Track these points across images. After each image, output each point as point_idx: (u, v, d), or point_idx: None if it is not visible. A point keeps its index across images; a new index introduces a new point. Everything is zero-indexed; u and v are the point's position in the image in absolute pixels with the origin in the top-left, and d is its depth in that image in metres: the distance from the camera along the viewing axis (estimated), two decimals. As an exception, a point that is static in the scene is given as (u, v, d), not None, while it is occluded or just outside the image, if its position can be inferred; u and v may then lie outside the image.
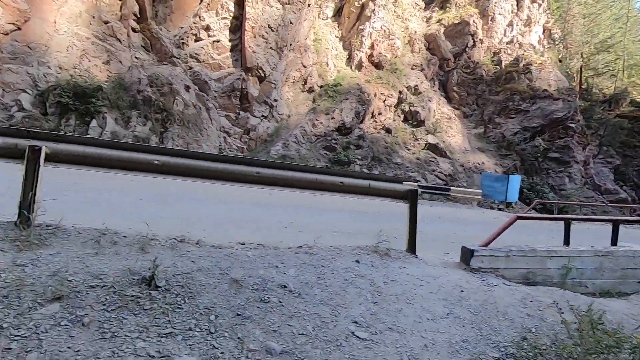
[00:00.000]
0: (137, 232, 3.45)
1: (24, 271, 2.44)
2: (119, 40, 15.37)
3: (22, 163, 3.04)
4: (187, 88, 14.49)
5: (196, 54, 16.65)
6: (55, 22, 13.80)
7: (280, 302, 2.70)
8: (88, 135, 11.30)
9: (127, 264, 2.77)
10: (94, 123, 12.09)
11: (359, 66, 21.92)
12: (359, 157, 18.38)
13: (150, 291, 2.52)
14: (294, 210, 7.74)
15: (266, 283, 2.86)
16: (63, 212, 3.29)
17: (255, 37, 17.47)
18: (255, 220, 6.17)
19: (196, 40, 16.82)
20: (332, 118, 18.97)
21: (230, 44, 17.42)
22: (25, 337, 2.00)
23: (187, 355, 2.11)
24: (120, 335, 2.14)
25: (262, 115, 17.75)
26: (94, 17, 14.92)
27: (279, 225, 5.96)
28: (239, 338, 2.30)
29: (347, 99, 19.78)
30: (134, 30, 16.04)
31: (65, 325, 2.13)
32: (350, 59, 22.29)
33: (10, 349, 1.92)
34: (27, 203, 2.98)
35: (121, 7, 15.72)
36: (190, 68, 16.12)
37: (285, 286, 2.88)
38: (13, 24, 12.87)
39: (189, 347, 2.17)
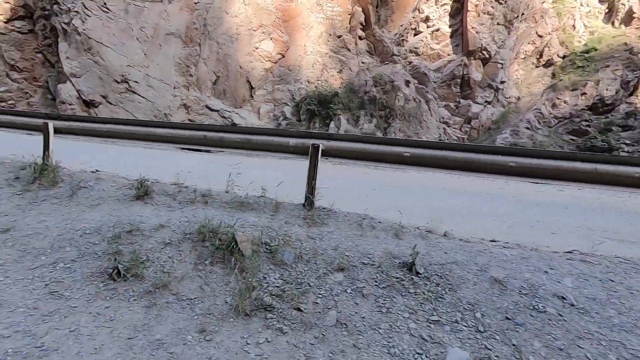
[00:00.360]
0: (384, 218, 3.76)
1: (315, 243, 3.08)
2: (349, 50, 17.53)
3: (307, 158, 3.86)
4: (407, 83, 14.95)
5: (415, 47, 16.90)
6: (304, 46, 17.21)
7: (559, 315, 2.27)
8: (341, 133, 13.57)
9: (386, 248, 3.03)
10: (332, 124, 14.40)
11: (628, 19, 16.30)
12: (628, 141, 13.75)
13: (412, 276, 2.65)
14: (533, 207, 6.55)
15: (537, 289, 2.48)
16: (325, 197, 3.96)
17: (478, 15, 15.98)
18: (494, 215, 5.60)
19: (415, 34, 17.05)
20: (583, 94, 15.00)
21: (450, 30, 16.69)
22: (325, 296, 2.49)
23: (459, 348, 2.07)
24: (393, 312, 2.35)
25: (486, 101, 16.10)
26: (330, 35, 17.63)
27: (526, 222, 5.16)
28: (514, 345, 2.08)
29: (606, 66, 15.16)
30: (360, 38, 17.91)
31: (350, 293, 2.52)
32: (611, 13, 16.92)
33: (317, 303, 2.44)
34: (310, 189, 3.76)
35: (350, 20, 17.85)
36: (410, 63, 16.53)
37: (563, 297, 2.40)
38: (280, 53, 16.97)
39: (459, 340, 2.14)
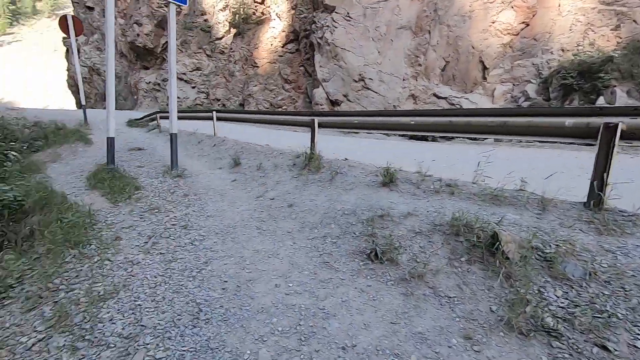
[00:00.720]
0: None
1: (616, 258, 2.24)
2: (632, -4, 12.77)
3: (592, 142, 2.90)
4: None
5: None
6: (559, 6, 13.85)
7: None
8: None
9: None
10: (600, 100, 10.94)
11: None
12: None
13: None
14: None
15: None
16: (631, 197, 2.84)
17: None
18: None
19: None
20: None
21: None
22: (650, 340, 1.73)
23: None
24: None
25: None
26: (600, -18, 13.39)
27: None
28: None
29: None
30: (654, -26, 12.68)
31: (703, 347, 1.64)
32: None
33: (636, 347, 1.71)
34: (600, 184, 2.81)
35: (637, -46, 12.90)
36: None
37: None
38: (523, 22, 14.39)
39: None
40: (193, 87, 24.43)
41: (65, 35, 9.82)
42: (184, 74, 23.95)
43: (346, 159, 5.57)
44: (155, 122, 11.55)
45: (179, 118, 7.03)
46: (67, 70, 31.51)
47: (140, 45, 25.78)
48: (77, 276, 2.63)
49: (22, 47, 61.88)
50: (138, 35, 25.56)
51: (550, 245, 2.39)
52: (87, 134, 8.43)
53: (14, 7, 73.48)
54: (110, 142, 5.31)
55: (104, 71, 29.79)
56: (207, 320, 2.22)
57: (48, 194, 4.27)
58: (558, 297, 2.07)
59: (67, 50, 30.21)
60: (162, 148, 7.77)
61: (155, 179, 5.35)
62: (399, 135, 12.57)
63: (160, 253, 3.04)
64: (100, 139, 8.04)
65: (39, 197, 4.13)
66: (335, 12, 16.55)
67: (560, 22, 13.73)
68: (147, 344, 2.02)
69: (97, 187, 4.94)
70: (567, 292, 2.08)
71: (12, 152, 5.12)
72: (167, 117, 11.82)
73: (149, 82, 26.39)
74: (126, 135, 9.49)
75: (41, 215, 4.01)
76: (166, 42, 25.16)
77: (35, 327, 2.15)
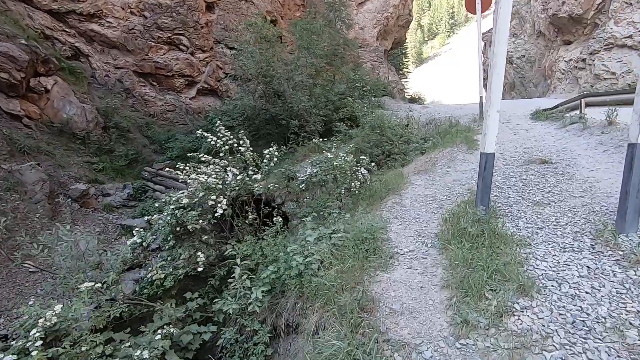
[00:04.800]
0: None
1: None
2: None
3: None
4: None
5: None
6: None
7: None
8: None
9: None
10: None
11: None
12: None
13: None
14: None
15: None
16: None
17: None
18: None
19: None
20: None
21: None
22: None
23: None
24: None
25: None
26: None
27: None
28: None
29: None
30: None
31: None
32: None
33: None
34: None
35: None
36: None
37: None
38: None
39: None
40: (643, 54, 16.54)
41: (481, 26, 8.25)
42: (629, 37, 16.66)
43: None
44: (577, 111, 7.61)
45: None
46: (483, 64, 32.25)
47: (564, 15, 20.91)
48: None
49: (452, 53, 72.67)
50: (563, 3, 20.77)
51: None
52: (474, 135, 6.35)
53: (452, 20, 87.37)
54: (485, 162, 2.73)
55: (517, 58, 27.41)
56: None
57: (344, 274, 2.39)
58: None
59: (484, 45, 30.60)
60: (588, 162, 4.17)
61: (575, 256, 2.24)
62: None
63: None
64: (489, 141, 5.74)
65: (309, 286, 2.31)
66: None
67: None
68: None
69: (449, 249, 2.61)
70: None
71: (362, 170, 3.85)
72: (599, 104, 7.50)
73: (570, 59, 21.03)
74: (526, 134, 6.51)
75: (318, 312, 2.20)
76: (601, 1, 18.65)
77: None
